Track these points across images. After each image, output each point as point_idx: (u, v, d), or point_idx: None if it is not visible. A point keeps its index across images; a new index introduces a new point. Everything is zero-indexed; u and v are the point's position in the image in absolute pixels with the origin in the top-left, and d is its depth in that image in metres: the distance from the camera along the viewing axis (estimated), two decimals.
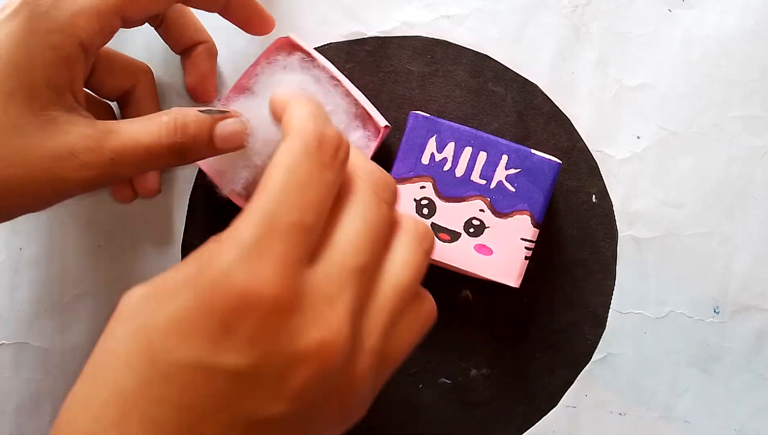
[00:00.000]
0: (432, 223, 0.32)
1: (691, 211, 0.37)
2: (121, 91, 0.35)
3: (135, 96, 0.35)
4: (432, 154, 0.33)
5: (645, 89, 0.37)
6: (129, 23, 0.31)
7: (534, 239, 0.32)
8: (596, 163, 0.37)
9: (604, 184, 0.37)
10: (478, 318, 0.37)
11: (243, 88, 0.35)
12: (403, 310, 0.24)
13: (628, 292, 0.37)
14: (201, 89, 0.36)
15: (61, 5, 0.28)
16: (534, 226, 0.32)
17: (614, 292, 0.37)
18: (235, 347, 0.21)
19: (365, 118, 0.34)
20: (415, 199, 0.33)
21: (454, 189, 0.32)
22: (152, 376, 0.21)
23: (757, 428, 0.36)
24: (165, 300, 0.21)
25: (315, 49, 0.36)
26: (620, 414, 0.36)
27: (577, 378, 0.37)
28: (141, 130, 0.30)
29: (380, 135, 0.34)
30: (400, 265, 0.24)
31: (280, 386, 0.21)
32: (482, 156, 0.32)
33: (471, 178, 0.32)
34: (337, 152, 0.23)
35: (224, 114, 0.31)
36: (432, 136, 0.33)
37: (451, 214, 0.32)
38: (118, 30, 0.31)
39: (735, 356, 0.36)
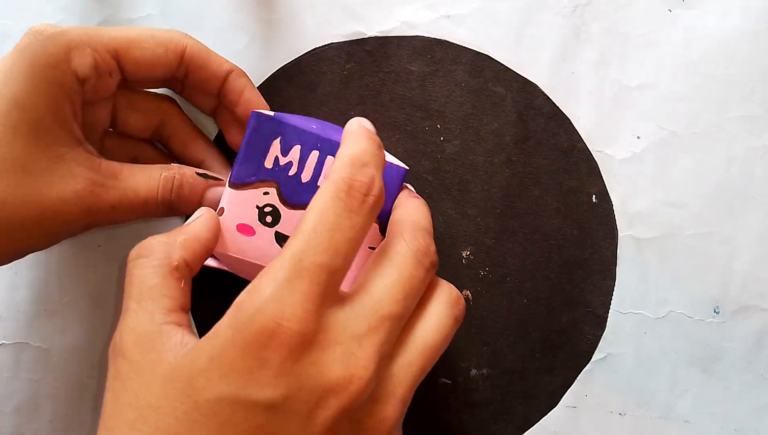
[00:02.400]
0: (276, 231, 0.29)
1: (691, 211, 0.37)
2: (151, 129, 0.34)
3: (168, 131, 0.34)
4: (276, 158, 0.29)
5: (645, 89, 0.37)
6: (130, 75, 0.31)
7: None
8: (596, 163, 0.37)
9: (604, 184, 0.37)
10: (478, 318, 0.37)
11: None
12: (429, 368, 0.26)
13: (628, 292, 0.37)
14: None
15: (57, 39, 0.28)
16: (382, 234, 0.30)
17: (614, 292, 0.37)
18: (268, 380, 0.22)
19: None
20: (257, 206, 0.29)
21: (299, 196, 0.29)
22: (196, 418, 0.22)
23: (757, 428, 0.36)
24: (206, 341, 0.23)
25: (315, 48, 0.36)
26: (620, 414, 0.36)
27: (577, 378, 0.37)
28: (141, 182, 0.30)
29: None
30: (433, 327, 0.26)
31: (310, 420, 0.22)
32: (329, 160, 0.30)
33: (318, 184, 0.30)
34: (365, 197, 0.25)
35: (219, 181, 0.32)
36: (276, 139, 0.29)
37: (296, 222, 0.29)
38: (117, 77, 0.31)
39: (735, 356, 0.36)
